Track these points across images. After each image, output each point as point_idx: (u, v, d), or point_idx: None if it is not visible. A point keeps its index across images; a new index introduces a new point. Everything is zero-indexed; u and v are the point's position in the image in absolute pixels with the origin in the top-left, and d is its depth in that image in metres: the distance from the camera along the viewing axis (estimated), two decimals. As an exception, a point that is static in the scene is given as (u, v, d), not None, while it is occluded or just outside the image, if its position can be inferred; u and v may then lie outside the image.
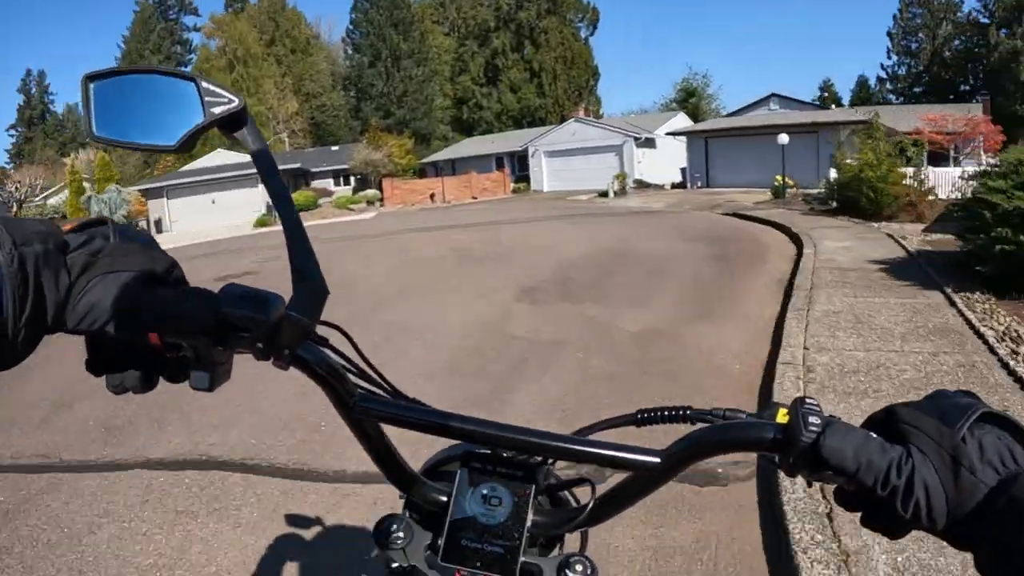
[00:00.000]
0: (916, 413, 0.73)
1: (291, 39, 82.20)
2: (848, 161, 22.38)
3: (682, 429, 0.93)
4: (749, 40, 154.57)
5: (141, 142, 0.84)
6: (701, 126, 44.52)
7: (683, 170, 42.68)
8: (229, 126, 0.84)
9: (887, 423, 0.75)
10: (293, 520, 4.36)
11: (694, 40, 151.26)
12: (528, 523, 0.96)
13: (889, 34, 73.18)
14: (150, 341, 0.80)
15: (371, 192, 46.88)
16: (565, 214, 26.64)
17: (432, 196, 45.23)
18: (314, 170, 55.34)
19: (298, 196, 42.66)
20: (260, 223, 39.14)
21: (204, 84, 0.81)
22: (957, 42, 68.72)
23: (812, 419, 0.74)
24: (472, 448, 1.02)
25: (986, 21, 65.28)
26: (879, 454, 0.71)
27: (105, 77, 0.83)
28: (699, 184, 39.87)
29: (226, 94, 0.81)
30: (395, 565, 0.98)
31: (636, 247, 16.29)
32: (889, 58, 74.26)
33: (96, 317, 0.74)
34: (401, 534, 0.99)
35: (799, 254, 13.67)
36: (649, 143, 46.00)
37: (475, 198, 45.05)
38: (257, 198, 41.99)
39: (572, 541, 1.05)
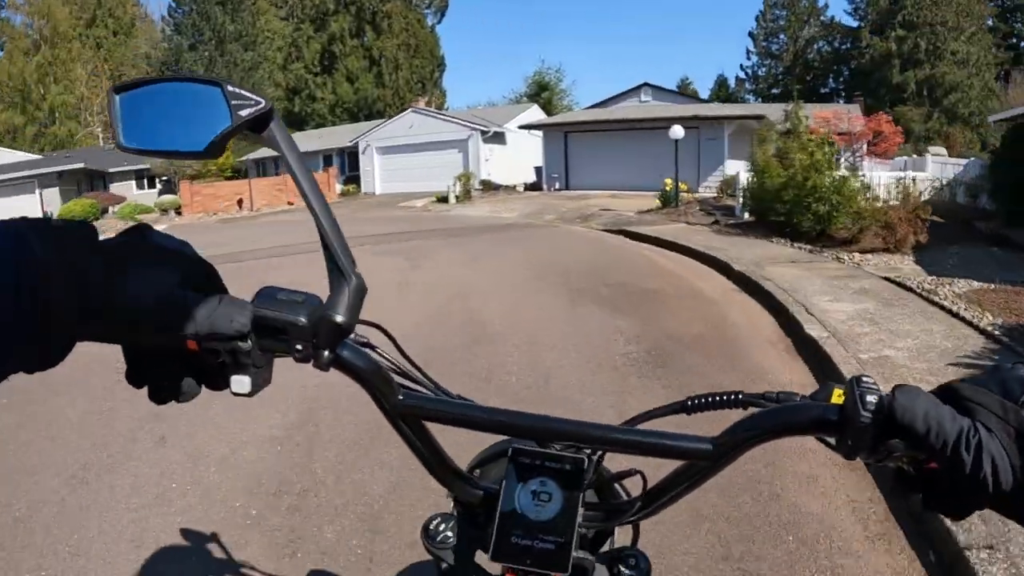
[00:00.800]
0: (977, 389, 0.70)
1: (114, 19, 72.10)
2: (774, 161, 16.75)
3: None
4: (605, 36, 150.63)
5: (170, 149, 0.79)
6: (560, 118, 38.12)
7: (538, 169, 36.64)
8: (255, 128, 0.76)
9: (948, 400, 0.72)
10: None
11: (547, 33, 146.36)
12: (579, 518, 0.91)
13: (751, 35, 72.49)
14: (188, 347, 0.75)
15: (169, 198, 39.32)
16: (383, 233, 19.16)
17: (240, 202, 37.75)
18: (112, 170, 45.95)
19: (72, 205, 35.99)
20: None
21: (230, 88, 0.75)
22: (821, 44, 69.94)
23: (870, 397, 0.72)
24: (519, 443, 0.96)
25: (856, 24, 66.35)
26: (950, 421, 0.68)
27: (131, 88, 0.79)
28: (557, 186, 34.11)
29: (252, 96, 0.75)
30: (445, 565, 0.98)
31: (475, 315, 9.10)
32: (749, 59, 74.06)
33: (132, 317, 0.71)
34: (450, 533, 0.98)
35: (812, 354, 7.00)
36: (498, 138, 39.37)
37: (291, 204, 37.83)
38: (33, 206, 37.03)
39: (622, 534, 1.03)
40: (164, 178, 44.43)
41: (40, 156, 44.46)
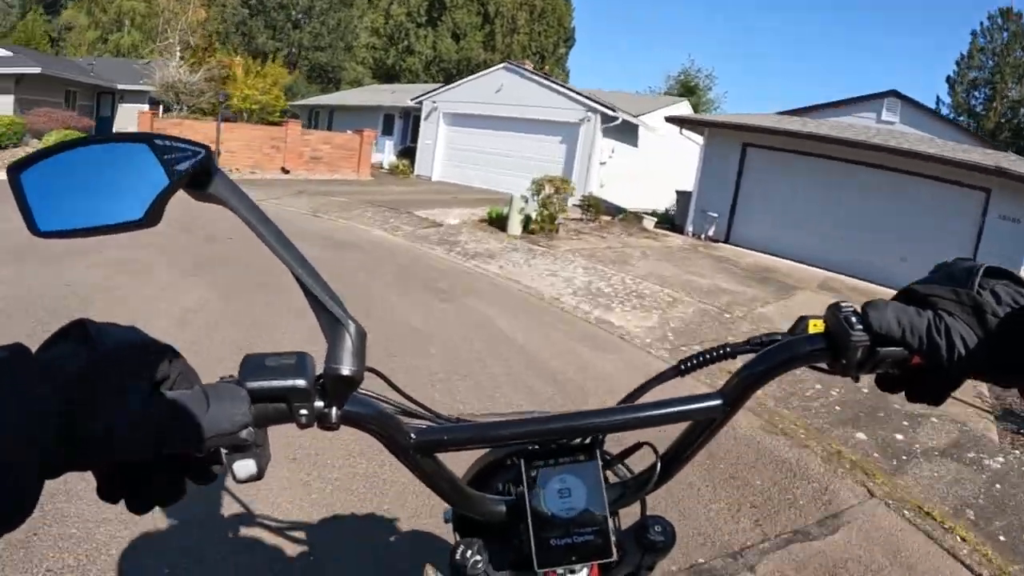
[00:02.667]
0: (930, 284, 0.81)
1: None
2: None
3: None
4: (758, 45, 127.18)
5: (101, 224, 0.67)
6: (741, 118, 20.78)
7: (683, 197, 21.01)
8: (197, 183, 0.69)
9: (909, 302, 0.82)
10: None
11: (700, 29, 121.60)
12: (607, 501, 0.93)
13: (949, 81, 49.47)
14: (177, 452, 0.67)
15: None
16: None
17: (217, 155, 22.04)
18: (124, 87, 35.54)
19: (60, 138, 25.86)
20: None
21: (158, 142, 0.68)
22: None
23: (852, 318, 0.80)
24: (524, 448, 0.98)
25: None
26: (917, 318, 0.79)
27: (34, 162, 0.68)
28: (711, 232, 19.26)
29: (187, 146, 0.68)
30: None
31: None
32: (939, 106, 48.06)
33: (113, 445, 0.61)
34: (479, 556, 0.93)
35: None
36: (626, 133, 24.80)
37: (286, 171, 25.04)
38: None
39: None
40: (180, 107, 32.30)
41: (7, 53, 32.91)
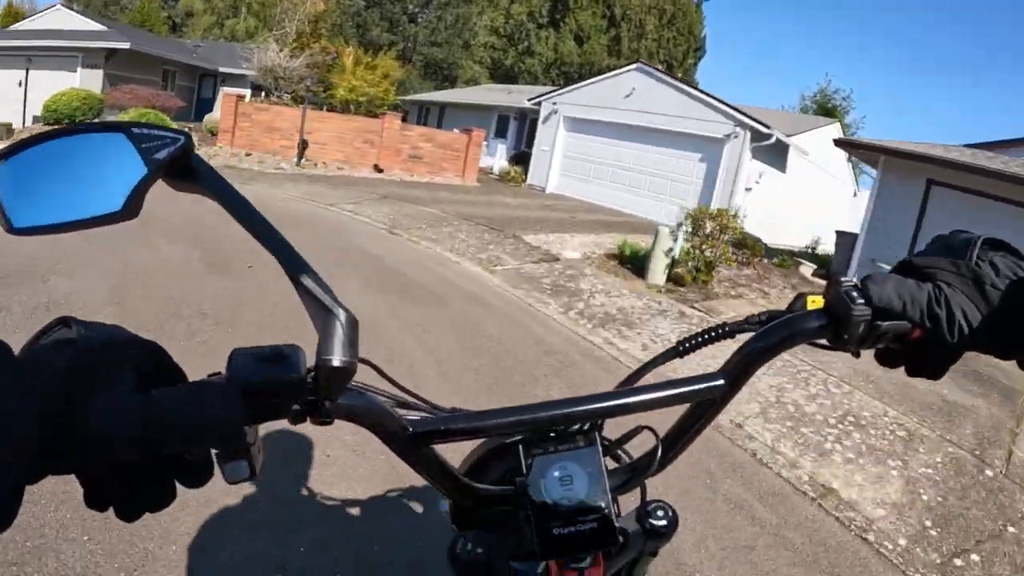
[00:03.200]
0: (928, 257, 0.81)
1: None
2: None
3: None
4: (901, 65, 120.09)
5: (79, 218, 0.67)
6: (924, 147, 16.21)
7: (845, 239, 17.11)
8: (177, 171, 0.69)
9: (908, 274, 0.81)
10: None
11: (840, 50, 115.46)
12: (608, 487, 0.90)
13: None
14: (163, 453, 0.64)
15: (212, 118, 26.58)
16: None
17: (304, 145, 21.29)
18: (226, 70, 34.99)
19: (63, 96, 24.48)
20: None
21: (136, 130, 0.68)
22: None
23: (854, 293, 0.80)
24: (522, 437, 0.94)
25: None
26: (917, 291, 0.78)
27: (7, 156, 0.67)
28: None
29: (166, 134, 0.68)
30: None
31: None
32: None
33: (99, 446, 0.58)
34: (480, 550, 0.96)
35: None
36: (775, 154, 20.88)
37: (380, 170, 21.95)
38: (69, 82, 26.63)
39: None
40: (280, 93, 29.69)
41: (106, 28, 32.54)
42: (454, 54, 51.91)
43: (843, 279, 0.83)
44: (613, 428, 0.97)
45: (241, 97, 23.34)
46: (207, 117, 27.72)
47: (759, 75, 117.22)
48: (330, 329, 0.66)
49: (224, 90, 32.80)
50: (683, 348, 0.97)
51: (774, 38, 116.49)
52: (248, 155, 20.78)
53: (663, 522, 1.00)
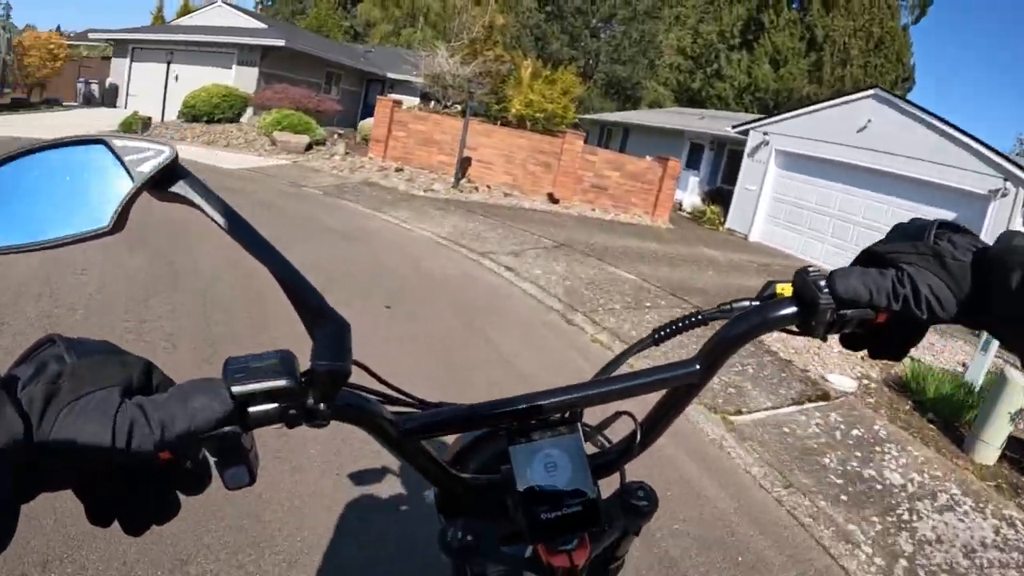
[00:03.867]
0: (889, 244, 0.84)
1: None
2: None
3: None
4: None
5: (64, 235, 0.65)
6: None
7: None
8: (161, 183, 0.68)
9: (871, 262, 0.85)
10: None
11: None
12: (591, 472, 0.93)
13: None
14: (159, 459, 0.65)
15: (366, 124, 23.63)
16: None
17: (465, 163, 18.08)
18: (394, 76, 32.83)
19: (203, 92, 23.34)
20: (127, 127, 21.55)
21: (117, 143, 0.66)
22: None
23: (820, 282, 0.82)
24: (507, 426, 0.95)
25: None
26: (880, 278, 0.80)
27: None
28: None
29: (149, 145, 0.67)
30: (475, 570, 0.96)
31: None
32: None
33: (81, 456, 0.58)
34: (470, 537, 0.92)
35: None
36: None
37: (555, 200, 18.11)
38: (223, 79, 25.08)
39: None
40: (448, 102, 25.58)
41: (264, 25, 31.04)
42: (638, 73, 47.75)
43: (810, 268, 0.86)
44: (593, 416, 1.02)
45: (398, 103, 20.02)
46: (361, 124, 24.89)
47: (966, 111, 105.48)
48: (323, 334, 0.68)
49: (391, 96, 30.78)
50: (658, 337, 0.99)
51: (984, 67, 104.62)
52: (399, 170, 17.54)
53: (644, 502, 0.99)
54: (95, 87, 31.14)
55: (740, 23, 45.59)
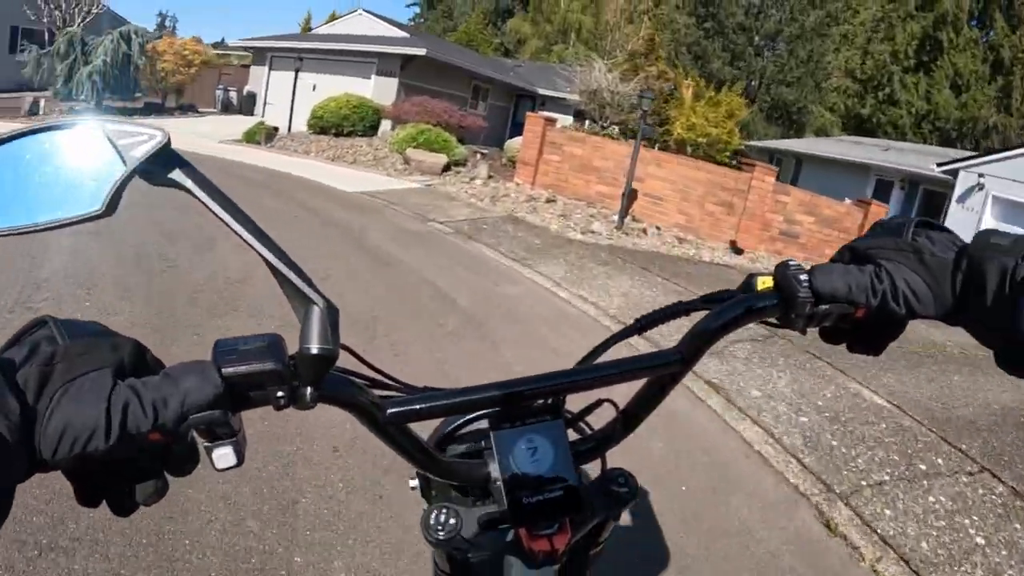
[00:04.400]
0: (869, 240, 0.84)
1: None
2: None
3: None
4: None
5: (57, 218, 0.64)
6: None
7: None
8: (155, 168, 0.66)
9: (852, 258, 0.85)
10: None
11: None
12: (572, 458, 0.93)
13: None
14: (149, 440, 0.63)
15: (513, 144, 20.37)
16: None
17: (630, 197, 14.47)
18: (546, 92, 30.36)
19: (331, 102, 21.29)
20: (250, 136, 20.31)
21: (110, 126, 0.64)
22: None
23: (801, 276, 0.82)
24: (490, 412, 0.96)
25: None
26: (859, 274, 0.80)
27: None
28: None
29: (142, 130, 0.65)
30: (458, 553, 0.97)
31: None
32: None
33: (76, 437, 0.57)
34: (453, 520, 0.93)
35: None
36: None
37: (739, 248, 14.31)
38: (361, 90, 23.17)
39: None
40: (606, 123, 23.05)
41: (406, 34, 28.77)
42: (805, 96, 43.21)
43: (791, 262, 0.85)
44: (576, 404, 1.01)
45: (551, 121, 17.13)
46: (507, 143, 22.14)
47: None
48: (310, 318, 0.67)
49: (542, 114, 28.31)
50: (641, 325, 0.98)
51: None
52: (550, 201, 14.66)
53: (624, 489, 0.99)
54: (233, 95, 30.11)
55: (915, 42, 41.87)
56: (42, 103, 24.11)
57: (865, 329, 0.85)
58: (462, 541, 0.92)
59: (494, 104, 29.62)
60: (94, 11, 29.32)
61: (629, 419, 0.98)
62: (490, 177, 16.49)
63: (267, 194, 11.87)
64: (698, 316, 0.94)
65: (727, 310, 0.88)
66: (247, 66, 30.47)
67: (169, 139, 0.64)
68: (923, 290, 0.77)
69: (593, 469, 1.06)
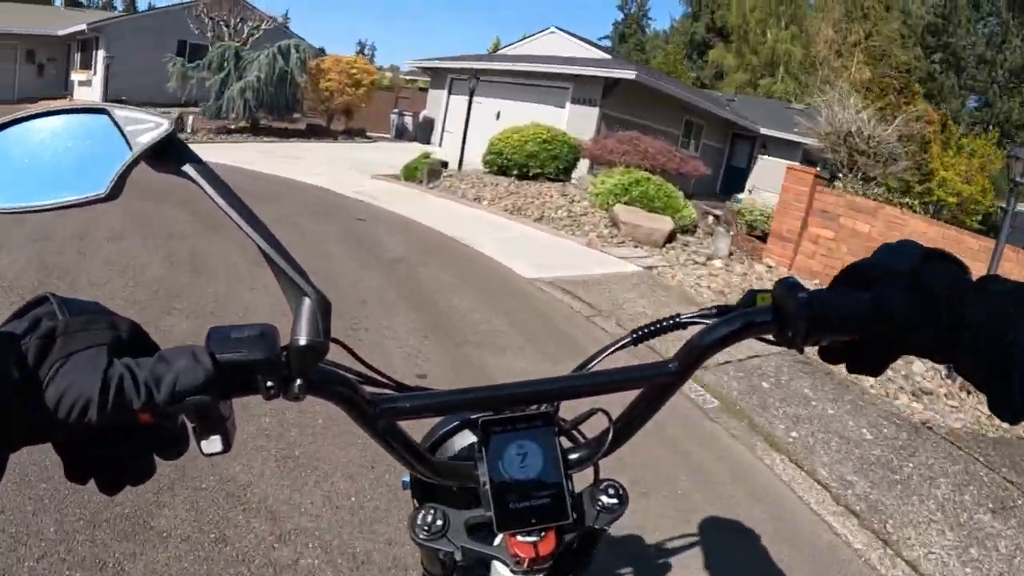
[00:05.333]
0: (874, 264, 0.80)
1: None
2: None
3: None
4: None
5: (61, 199, 0.64)
6: None
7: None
8: (158, 155, 0.66)
9: (853, 278, 0.81)
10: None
11: None
12: (563, 466, 0.93)
13: None
14: (140, 420, 0.64)
15: (749, 202, 16.43)
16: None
17: None
18: (769, 132, 25.72)
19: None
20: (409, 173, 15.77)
21: (118, 112, 0.65)
22: None
23: (800, 294, 0.79)
24: (482, 416, 0.94)
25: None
26: (858, 301, 0.78)
27: None
28: None
29: (149, 118, 0.66)
30: (444, 554, 0.95)
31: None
32: None
33: (71, 408, 0.58)
34: (440, 522, 0.93)
35: None
36: None
37: None
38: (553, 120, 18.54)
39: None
40: (855, 174, 17.84)
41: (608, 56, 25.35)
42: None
43: (789, 279, 0.82)
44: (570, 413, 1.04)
45: (820, 178, 11.80)
46: (743, 200, 17.23)
47: None
48: (302, 310, 0.66)
49: (762, 158, 25.04)
50: (637, 337, 0.98)
51: None
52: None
53: (614, 500, 0.96)
54: (408, 120, 26.55)
55: None
56: (190, 120, 20.90)
57: (864, 350, 0.81)
58: (448, 543, 0.91)
59: (707, 144, 25.01)
60: (263, 27, 26.16)
61: (621, 429, 0.94)
62: (731, 254, 11.22)
63: (396, 294, 7.05)
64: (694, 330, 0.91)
65: (724, 324, 0.86)
66: (425, 89, 27.09)
67: (174, 129, 0.64)
68: (916, 326, 0.74)
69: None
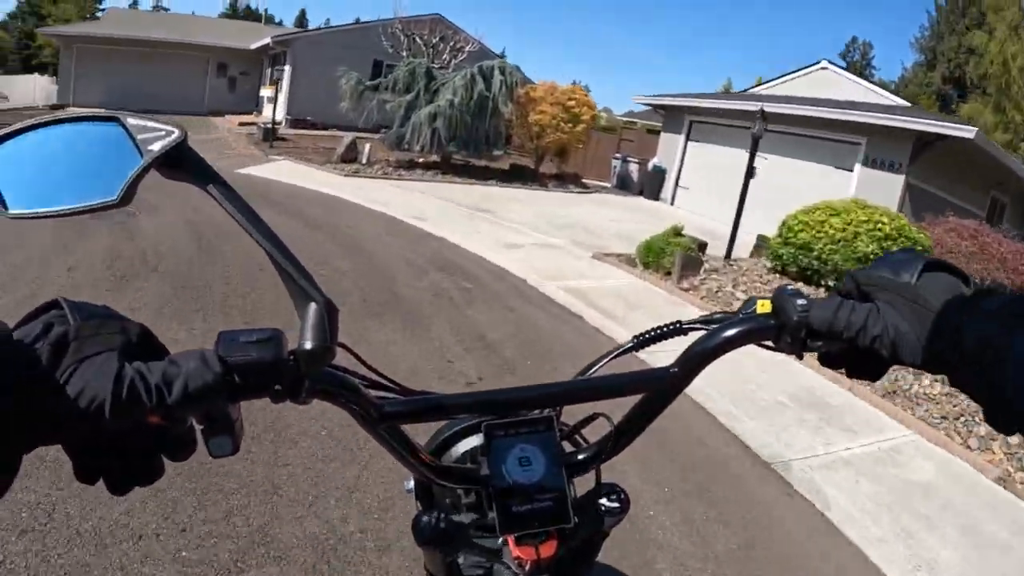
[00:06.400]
0: (873, 274, 0.80)
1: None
2: None
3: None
4: None
5: (74, 205, 0.66)
6: None
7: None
8: (169, 163, 0.68)
9: (852, 287, 0.82)
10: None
11: None
12: (564, 470, 0.92)
13: None
14: (150, 422, 0.64)
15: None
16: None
17: None
18: None
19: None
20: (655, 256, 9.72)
21: (130, 120, 0.68)
22: None
23: (799, 301, 0.80)
24: (485, 420, 0.94)
25: None
26: (854, 313, 0.78)
27: (4, 140, 0.66)
28: None
29: (160, 126, 0.68)
30: (447, 557, 0.96)
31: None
32: None
33: (82, 412, 0.58)
34: (443, 525, 0.92)
35: None
36: None
37: None
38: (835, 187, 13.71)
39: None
40: None
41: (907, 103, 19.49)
42: None
43: (788, 288, 0.84)
44: (572, 418, 1.02)
45: None
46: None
47: None
48: (309, 315, 0.67)
49: None
50: (637, 342, 0.99)
51: None
52: None
53: (615, 504, 0.95)
54: (634, 168, 21.13)
55: None
56: (366, 148, 16.79)
57: (862, 356, 0.81)
58: (451, 546, 0.91)
59: (1007, 228, 18.59)
60: (467, 49, 22.14)
61: (623, 434, 0.94)
62: None
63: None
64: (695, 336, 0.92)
65: (724, 330, 0.87)
66: (654, 132, 22.20)
67: (186, 136, 0.65)
68: (911, 339, 0.75)
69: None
